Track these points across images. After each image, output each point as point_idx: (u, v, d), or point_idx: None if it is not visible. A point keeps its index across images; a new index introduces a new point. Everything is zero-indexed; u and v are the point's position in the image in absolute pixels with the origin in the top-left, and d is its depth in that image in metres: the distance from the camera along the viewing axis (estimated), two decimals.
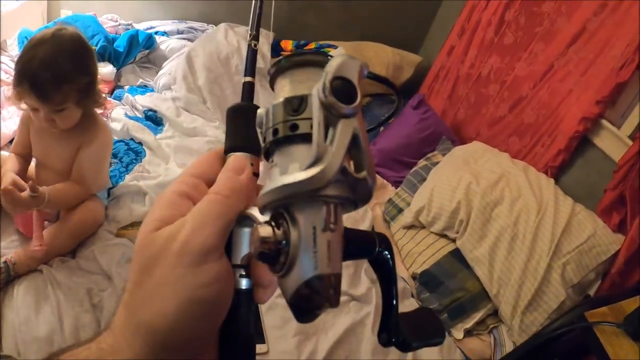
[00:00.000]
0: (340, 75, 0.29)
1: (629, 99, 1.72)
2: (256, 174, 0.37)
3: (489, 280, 1.63)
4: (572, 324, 1.27)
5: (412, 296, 1.71)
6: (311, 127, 0.29)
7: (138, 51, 2.34)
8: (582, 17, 1.85)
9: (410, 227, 1.90)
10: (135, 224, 1.57)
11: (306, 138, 0.30)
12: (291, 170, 0.30)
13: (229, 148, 0.37)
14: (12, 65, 1.62)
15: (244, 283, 0.34)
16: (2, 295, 1.24)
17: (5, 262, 1.26)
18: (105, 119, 1.82)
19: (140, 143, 1.91)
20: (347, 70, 0.30)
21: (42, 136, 1.39)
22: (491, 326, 1.65)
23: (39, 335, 1.18)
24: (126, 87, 2.25)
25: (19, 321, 1.19)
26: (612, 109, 1.77)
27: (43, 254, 1.28)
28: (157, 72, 2.39)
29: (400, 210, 1.96)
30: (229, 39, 2.36)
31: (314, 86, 0.30)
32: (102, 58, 2.18)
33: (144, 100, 2.14)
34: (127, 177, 1.71)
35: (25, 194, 1.20)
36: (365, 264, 1.69)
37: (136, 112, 2.11)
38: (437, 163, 2.05)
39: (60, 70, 1.22)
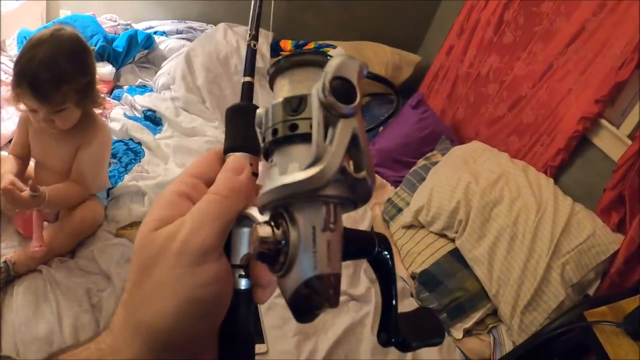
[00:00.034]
0: (339, 75, 0.29)
1: (628, 98, 1.72)
2: (255, 174, 0.37)
3: (488, 280, 1.63)
4: (572, 323, 1.27)
5: (412, 296, 1.71)
6: (310, 127, 0.29)
7: (137, 51, 2.34)
8: (581, 17, 1.85)
9: (409, 226, 1.90)
10: (135, 224, 1.57)
11: (305, 138, 0.30)
12: (290, 170, 0.30)
13: (228, 148, 0.37)
14: (11, 65, 1.62)
15: (243, 283, 0.34)
16: (1, 295, 1.24)
17: (5, 262, 1.26)
18: (104, 119, 1.82)
19: (139, 143, 1.91)
20: (347, 70, 0.30)
21: (41, 137, 1.38)
22: (490, 326, 1.65)
23: (38, 335, 1.18)
24: (125, 87, 2.25)
25: (19, 321, 1.19)
26: (611, 108, 1.78)
27: (43, 254, 1.28)
28: (156, 72, 2.39)
29: (400, 210, 1.96)
30: (228, 39, 2.35)
31: (313, 86, 0.30)
32: (101, 58, 2.18)
33: (143, 100, 2.14)
34: (126, 177, 1.71)
35: (26, 193, 1.20)
36: (364, 264, 1.69)
37: (135, 112, 2.11)
38: (436, 163, 2.05)
39: (60, 71, 1.21)
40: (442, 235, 1.81)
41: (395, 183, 2.18)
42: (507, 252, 1.61)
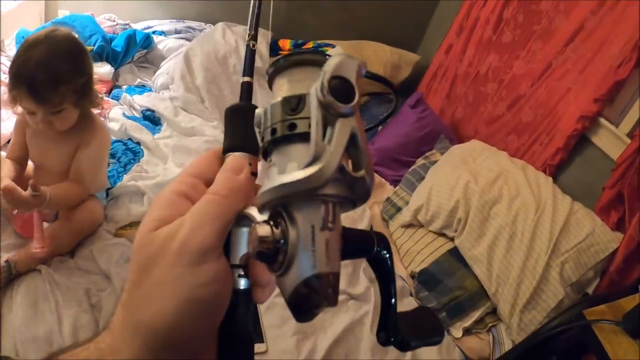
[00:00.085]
0: (338, 74, 0.29)
1: (627, 97, 1.72)
2: (254, 174, 0.37)
3: (488, 279, 1.63)
4: (571, 322, 1.27)
5: (411, 295, 1.71)
6: (309, 126, 0.29)
7: (136, 51, 2.34)
8: (580, 16, 1.85)
9: (408, 225, 1.90)
10: (134, 224, 1.57)
11: (304, 137, 0.30)
12: (289, 169, 0.30)
13: (228, 148, 0.37)
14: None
15: (242, 283, 0.34)
16: (1, 295, 1.24)
17: (7, 261, 1.26)
18: (103, 119, 1.82)
19: (138, 143, 1.91)
20: (345, 69, 0.30)
21: (39, 139, 1.38)
22: (490, 325, 1.65)
23: (38, 335, 1.18)
24: (124, 87, 2.24)
25: (18, 321, 1.19)
26: (610, 107, 1.78)
27: (45, 255, 1.28)
28: (155, 72, 2.39)
29: (399, 209, 1.96)
30: (227, 39, 2.35)
31: (312, 85, 0.30)
32: (100, 58, 2.18)
33: (141, 100, 2.14)
34: (126, 177, 1.71)
35: (27, 193, 1.19)
36: (363, 263, 1.69)
37: (134, 112, 2.11)
38: (435, 162, 2.05)
39: (56, 71, 1.20)
40: (441, 234, 1.81)
41: (394, 182, 2.18)
42: (506, 251, 1.61)
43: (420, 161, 2.14)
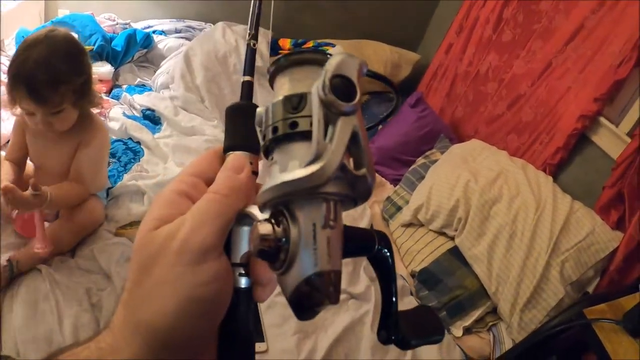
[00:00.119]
0: (339, 73, 0.29)
1: (627, 96, 1.72)
2: (255, 173, 0.37)
3: (488, 278, 1.63)
4: (571, 321, 1.27)
5: (411, 294, 1.71)
6: (311, 124, 0.29)
7: (136, 50, 2.34)
8: (580, 15, 1.85)
9: (408, 225, 1.90)
10: (134, 223, 1.57)
11: (306, 136, 0.30)
12: (291, 167, 0.30)
13: (228, 147, 0.37)
14: None
15: (243, 282, 0.34)
16: (1, 295, 1.24)
17: (9, 259, 1.26)
18: (103, 119, 1.81)
19: (138, 142, 1.91)
20: (347, 68, 0.30)
21: (39, 139, 1.37)
22: (490, 324, 1.65)
23: (38, 334, 1.18)
24: (124, 86, 2.24)
25: (18, 321, 1.19)
26: (610, 106, 1.78)
27: (47, 255, 1.28)
28: (155, 71, 2.38)
29: (399, 208, 1.96)
30: (227, 38, 2.35)
31: (313, 84, 0.30)
32: (100, 57, 2.18)
33: (142, 100, 2.14)
34: (126, 176, 1.71)
35: (28, 193, 1.19)
36: (364, 262, 1.69)
37: (134, 112, 2.11)
38: (435, 161, 2.05)
39: (55, 71, 1.20)
40: (441, 233, 1.81)
41: (395, 181, 2.18)
42: (507, 250, 1.61)
43: (420, 160, 2.14)
